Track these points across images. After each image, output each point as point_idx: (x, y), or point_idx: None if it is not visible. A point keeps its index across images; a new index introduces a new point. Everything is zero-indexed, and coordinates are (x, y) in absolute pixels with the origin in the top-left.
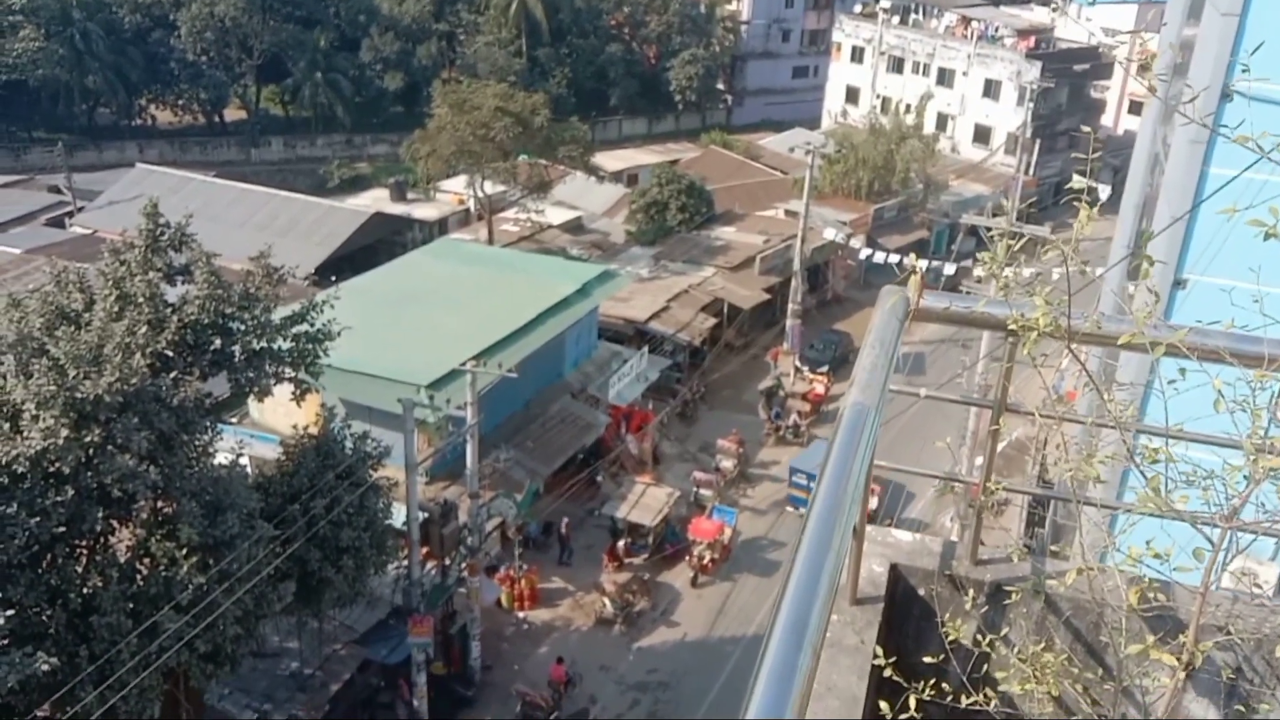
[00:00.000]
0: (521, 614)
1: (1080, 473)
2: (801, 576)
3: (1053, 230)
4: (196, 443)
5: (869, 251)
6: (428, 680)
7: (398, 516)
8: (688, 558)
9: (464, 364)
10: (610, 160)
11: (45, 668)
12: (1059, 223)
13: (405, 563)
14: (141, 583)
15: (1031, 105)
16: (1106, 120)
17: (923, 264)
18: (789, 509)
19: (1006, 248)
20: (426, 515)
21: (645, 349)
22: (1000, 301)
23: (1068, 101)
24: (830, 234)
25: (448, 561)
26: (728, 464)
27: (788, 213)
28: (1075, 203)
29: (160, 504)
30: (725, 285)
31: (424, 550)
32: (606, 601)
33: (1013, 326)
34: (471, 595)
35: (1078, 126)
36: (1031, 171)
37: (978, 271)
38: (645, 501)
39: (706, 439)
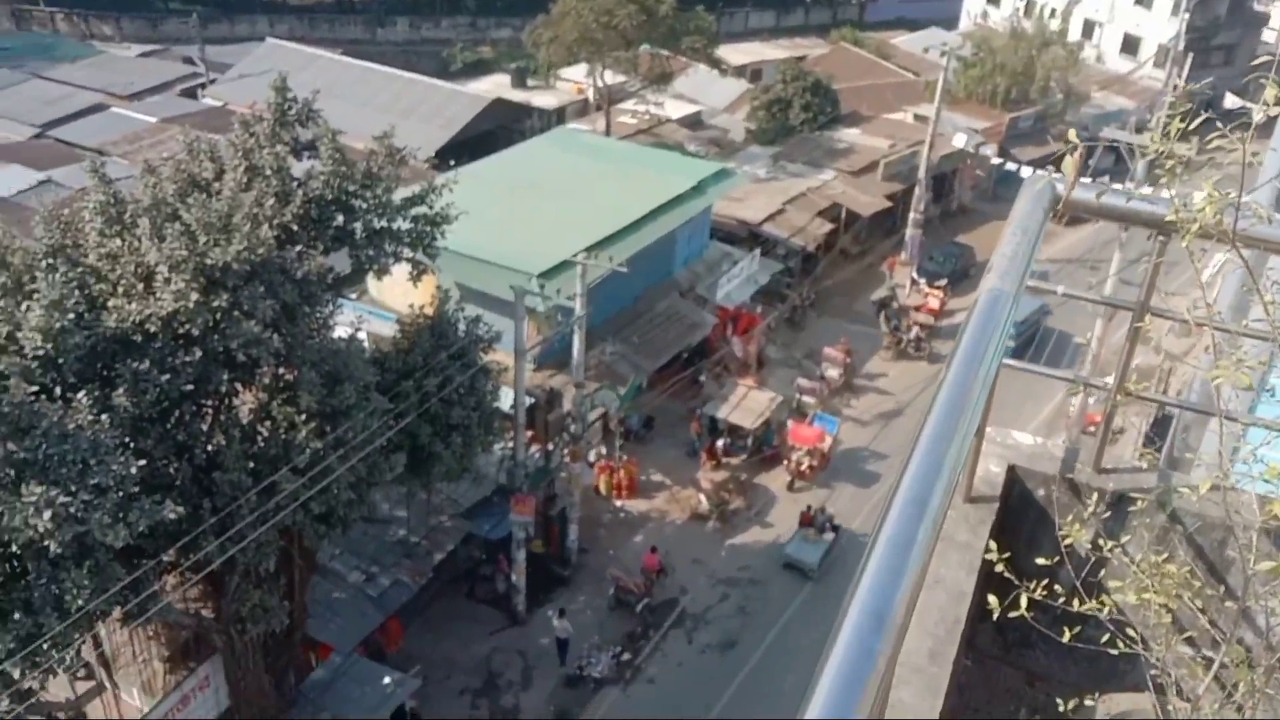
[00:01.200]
0: (619, 503)
1: (1232, 380)
2: (921, 465)
3: (1198, 153)
4: (318, 315)
5: (1000, 162)
6: (526, 558)
7: (505, 400)
8: (785, 462)
9: (575, 255)
10: (734, 54)
11: (172, 516)
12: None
13: (511, 444)
14: (262, 444)
15: (1187, 16)
16: (1268, 37)
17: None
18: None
19: (1179, 123)
20: (533, 401)
21: (757, 251)
22: (1153, 198)
23: (1227, 14)
24: (960, 141)
25: (551, 446)
26: (833, 373)
27: (917, 117)
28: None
29: (282, 371)
30: (845, 190)
31: (529, 434)
32: (702, 498)
33: (1172, 218)
34: (572, 481)
35: (1236, 41)
36: (1182, 87)
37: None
38: (746, 404)
39: (813, 346)
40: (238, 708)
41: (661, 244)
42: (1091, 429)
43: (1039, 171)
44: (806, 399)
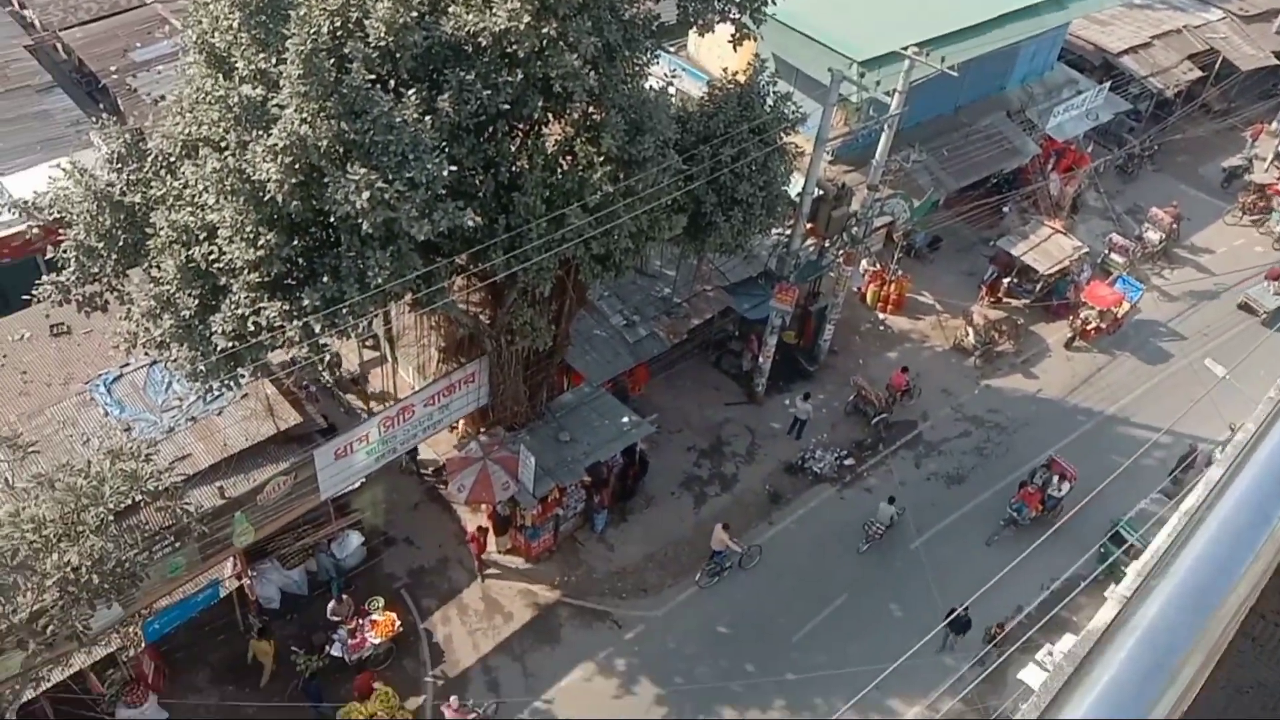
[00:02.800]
0: (882, 315)
1: None
2: None
3: None
4: (636, 60)
5: None
6: (777, 344)
7: (794, 186)
8: (1071, 318)
9: (905, 48)
10: None
11: (470, 224)
12: None
13: (789, 231)
14: (560, 176)
15: None
16: None
17: None
18: None
19: None
20: (821, 193)
21: (1106, 85)
22: None
23: None
24: None
25: (827, 243)
26: (1153, 235)
27: None
28: None
29: (591, 110)
30: (1228, 36)
31: (809, 226)
32: (970, 331)
33: None
34: (840, 282)
35: None
36: None
37: None
38: (1046, 247)
39: (1139, 203)
40: (493, 407)
41: (1000, 55)
42: None
43: None
44: (1115, 257)
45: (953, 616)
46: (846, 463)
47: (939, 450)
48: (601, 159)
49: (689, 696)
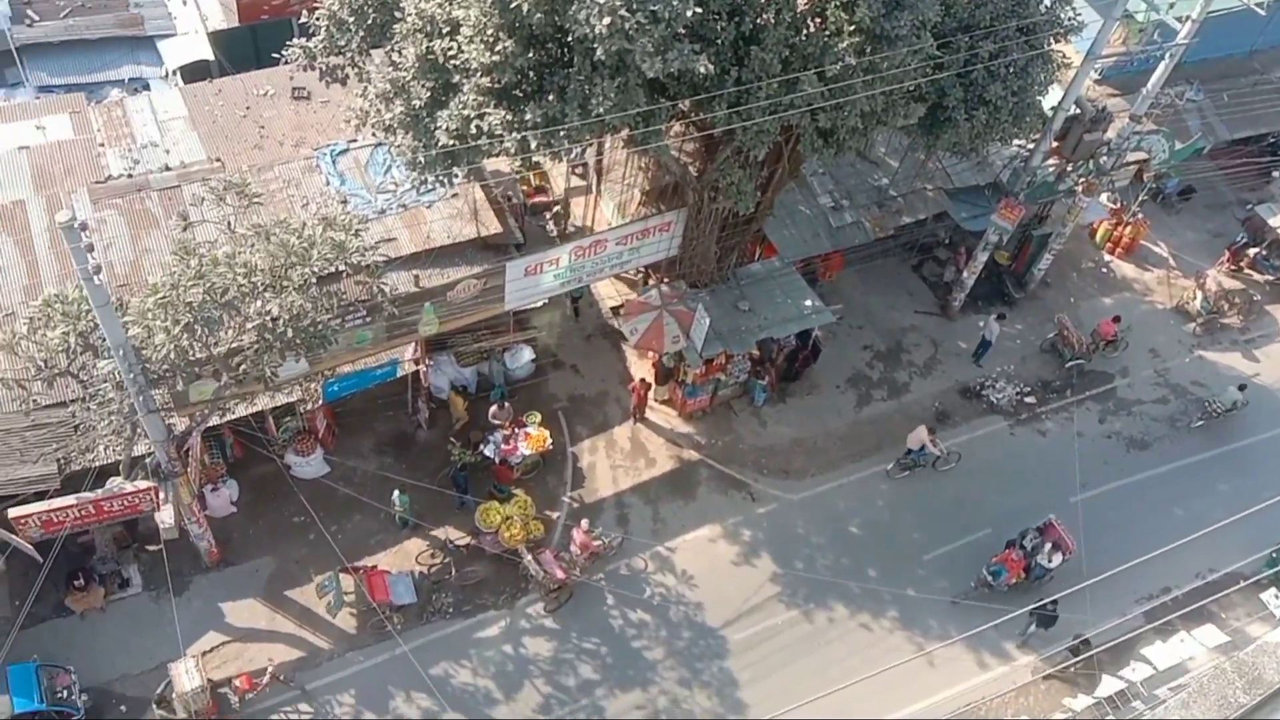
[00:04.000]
0: (1107, 257)
1: None
2: None
3: None
4: None
5: None
6: (987, 262)
7: (1050, 98)
8: None
9: None
10: None
11: (701, 70)
12: None
13: (1031, 146)
14: (803, 38)
15: None
16: None
17: None
18: None
19: None
20: (1077, 112)
21: None
22: None
23: None
24: None
25: (1070, 167)
26: None
27: None
28: None
29: None
30: None
31: (1054, 144)
32: (1199, 295)
33: None
34: (1072, 212)
35: None
36: None
37: None
38: None
39: None
40: (681, 260)
41: None
42: None
43: None
44: None
45: (1039, 606)
46: (1027, 399)
47: (1129, 410)
48: (851, 28)
49: (804, 583)
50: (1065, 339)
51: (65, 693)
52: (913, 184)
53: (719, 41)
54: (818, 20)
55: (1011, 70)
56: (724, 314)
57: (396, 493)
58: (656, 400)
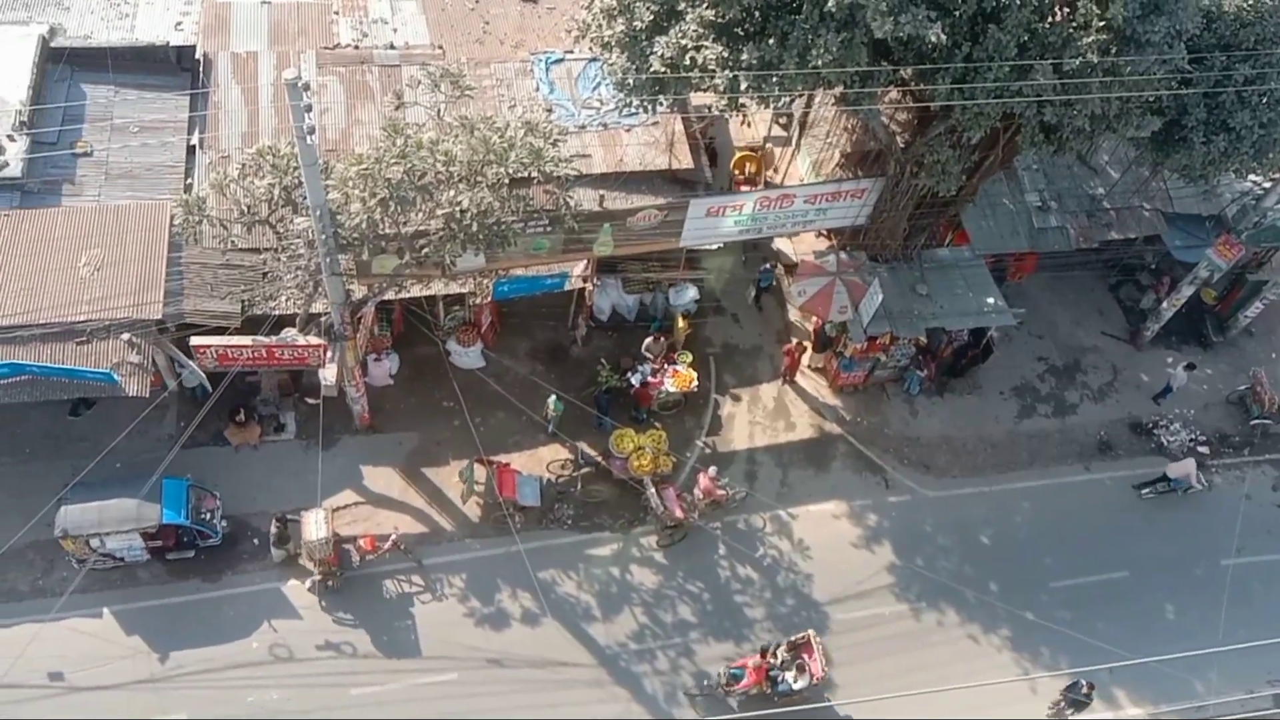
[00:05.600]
0: None
1: None
2: None
3: None
4: None
5: None
6: (1190, 297)
7: None
8: None
9: None
10: None
11: (933, 38)
12: None
13: (1267, 185)
14: (1046, 26)
15: None
16: None
17: None
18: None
19: None
20: None
21: None
22: None
23: None
24: None
25: None
26: None
27: None
28: None
29: None
30: None
31: None
32: None
33: None
34: None
35: None
36: None
37: None
38: None
39: None
40: (866, 231)
41: None
42: None
43: None
44: None
45: (1071, 687)
46: (1200, 448)
47: None
48: (1101, 24)
49: (921, 581)
50: (1257, 395)
51: (209, 515)
52: (1130, 199)
53: (957, 13)
54: (1065, 9)
55: (1265, 100)
56: (899, 294)
57: (554, 399)
58: (810, 367)
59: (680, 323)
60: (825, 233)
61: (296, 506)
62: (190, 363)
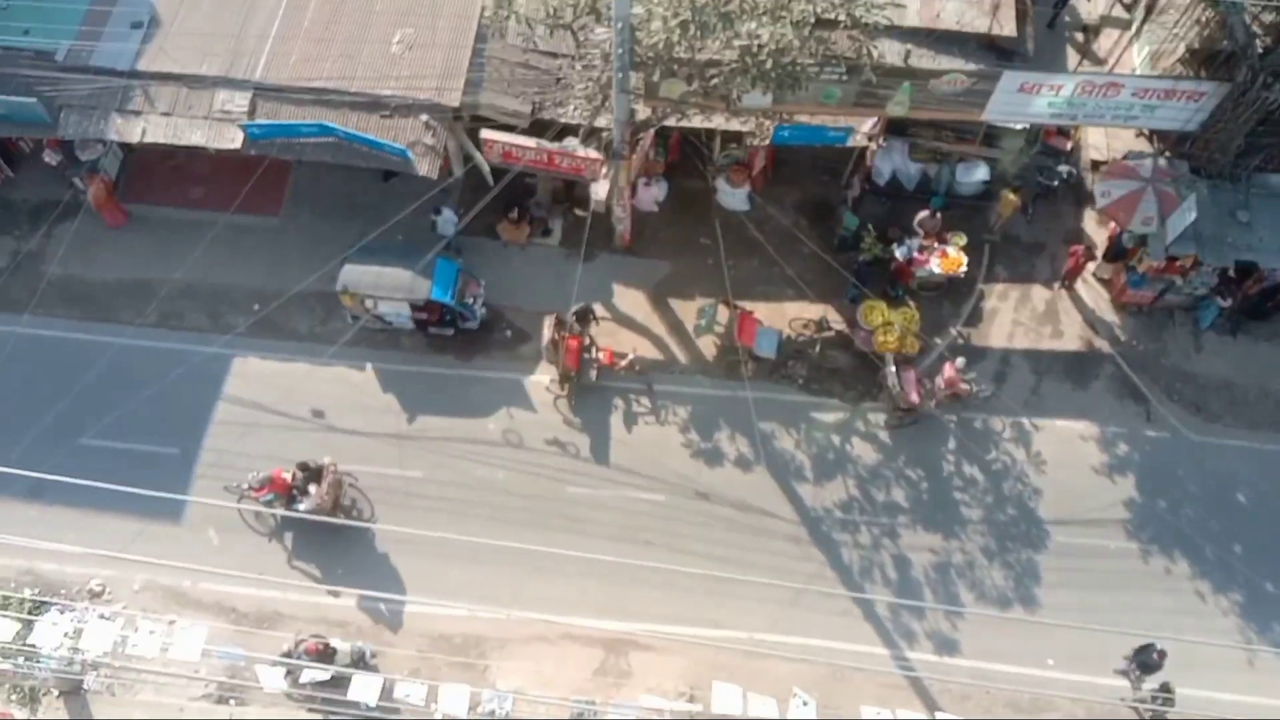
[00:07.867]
0: None
1: None
2: None
3: None
4: None
5: None
6: None
7: None
8: None
9: None
10: None
11: None
12: None
13: None
14: None
15: None
16: None
17: None
18: None
19: None
20: None
21: None
22: None
23: None
24: None
25: None
26: None
27: None
28: None
29: None
30: None
31: None
32: None
33: None
34: None
35: None
36: None
37: None
38: None
39: None
40: (1194, 139)
41: None
42: None
43: None
44: None
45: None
46: None
47: None
48: None
49: (1159, 523)
50: None
51: (472, 300)
52: None
53: None
54: None
55: None
56: (1215, 216)
57: (848, 213)
58: (1094, 275)
59: (1011, 195)
60: (1145, 133)
61: (550, 309)
62: (477, 154)
